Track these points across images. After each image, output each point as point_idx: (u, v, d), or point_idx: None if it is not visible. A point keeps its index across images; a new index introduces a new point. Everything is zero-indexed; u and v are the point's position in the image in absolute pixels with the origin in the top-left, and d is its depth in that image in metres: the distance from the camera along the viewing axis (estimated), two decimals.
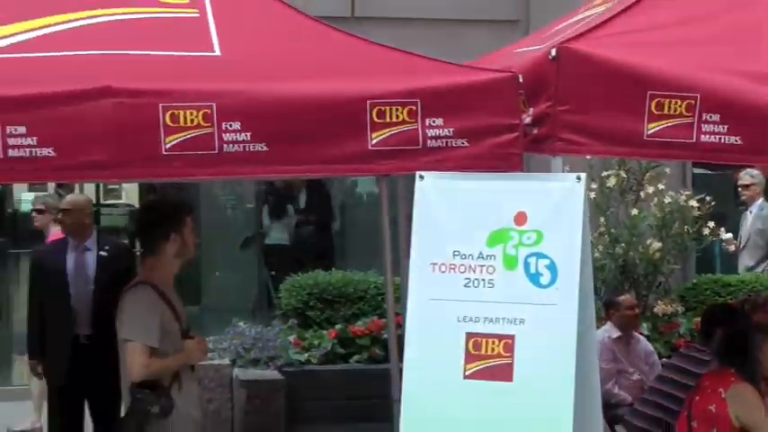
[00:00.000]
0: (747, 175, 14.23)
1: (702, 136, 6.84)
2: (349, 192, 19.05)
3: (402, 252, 9.48)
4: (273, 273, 17.54)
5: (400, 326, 9.28)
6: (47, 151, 6.53)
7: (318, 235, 18.86)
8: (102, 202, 29.48)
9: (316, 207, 19.20)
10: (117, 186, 21.08)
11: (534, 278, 6.32)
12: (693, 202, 12.91)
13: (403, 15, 14.41)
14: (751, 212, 14.24)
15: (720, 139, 6.83)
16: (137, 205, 18.31)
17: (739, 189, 14.18)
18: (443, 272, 6.43)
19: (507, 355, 6.28)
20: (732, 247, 14.37)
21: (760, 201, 14.11)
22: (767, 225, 14.29)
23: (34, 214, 14.69)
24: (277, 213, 18.90)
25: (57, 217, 14.28)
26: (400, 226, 9.55)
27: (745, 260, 13.96)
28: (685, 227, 12.61)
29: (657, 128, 6.81)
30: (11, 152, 6.54)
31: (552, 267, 6.28)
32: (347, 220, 19.36)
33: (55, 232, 14.00)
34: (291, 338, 12.14)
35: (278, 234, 18.80)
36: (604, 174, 7.74)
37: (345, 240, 18.91)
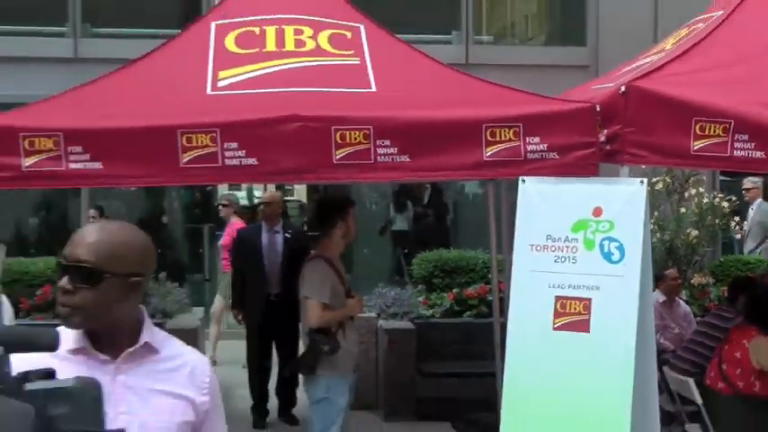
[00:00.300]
0: (749, 181, 14.89)
1: (735, 151, 6.87)
2: (459, 191, 19.07)
3: (503, 236, 9.69)
4: (406, 251, 17.53)
5: (501, 291, 9.77)
6: (252, 161, 6.86)
7: (437, 223, 19.12)
8: None
9: (434, 203, 19.38)
10: (291, 186, 21.07)
11: (607, 256, 6.41)
12: (724, 203, 12.93)
13: (504, 63, 14.39)
14: (752, 209, 14.58)
15: (749, 153, 6.86)
16: (305, 200, 18.38)
17: (744, 191, 14.29)
18: (539, 251, 6.57)
19: (585, 313, 6.38)
20: (739, 236, 14.56)
21: (759, 200, 14.71)
22: (764, 218, 14.53)
23: (220, 207, 14.88)
24: (400, 208, 19.05)
25: (237, 209, 14.95)
26: (502, 217, 9.60)
27: (749, 245, 14.39)
28: (716, 220, 12.69)
29: (701, 145, 6.86)
30: (227, 161, 6.81)
31: (621, 248, 6.39)
32: (458, 213, 19.46)
33: (234, 221, 14.39)
34: (420, 299, 12.27)
35: (400, 223, 19.00)
36: (654, 180, 7.80)
37: (458, 227, 18.93)
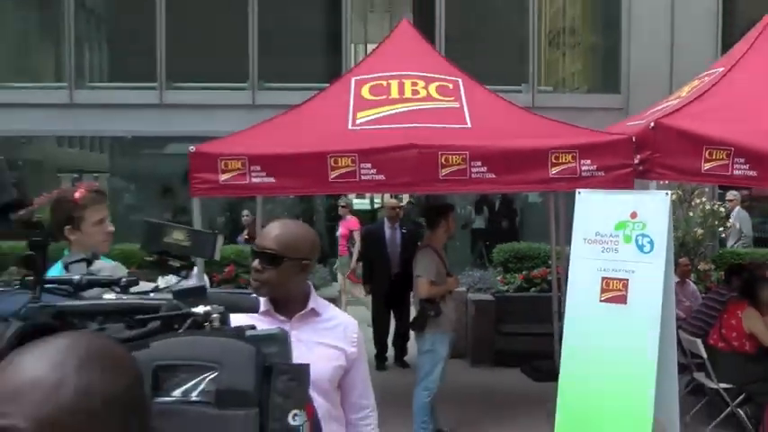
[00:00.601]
0: (731, 194, 14.53)
1: (735, 171, 6.89)
2: (523, 199, 18.98)
3: (560, 232, 9.73)
4: (487, 243, 17.45)
5: (558, 273, 9.89)
6: (380, 176, 6.89)
7: (506, 223, 18.88)
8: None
9: (504, 208, 19.43)
10: (399, 195, 21.12)
11: (640, 248, 6.36)
12: (721, 209, 12.80)
13: (560, 106, 14.39)
14: (733, 215, 14.27)
15: (745, 173, 6.86)
16: (403, 204, 18.42)
17: (727, 201, 14.08)
18: (590, 243, 6.51)
19: (624, 290, 6.39)
20: (724, 235, 14.33)
21: (737, 208, 14.31)
22: (740, 222, 14.16)
23: (339, 208, 14.85)
24: (478, 211, 19.15)
25: (351, 210, 14.87)
26: (560, 219, 9.67)
27: (730, 241, 14.06)
28: (715, 222, 12.50)
29: (709, 166, 6.89)
30: (362, 177, 6.98)
31: (651, 243, 6.33)
32: (522, 215, 19.23)
33: (349, 218, 14.42)
34: (498, 278, 12.22)
35: (479, 222, 19.33)
36: (669, 192, 7.78)
37: (522, 226, 18.78)
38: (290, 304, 3.28)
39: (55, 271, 3.44)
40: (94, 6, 20.37)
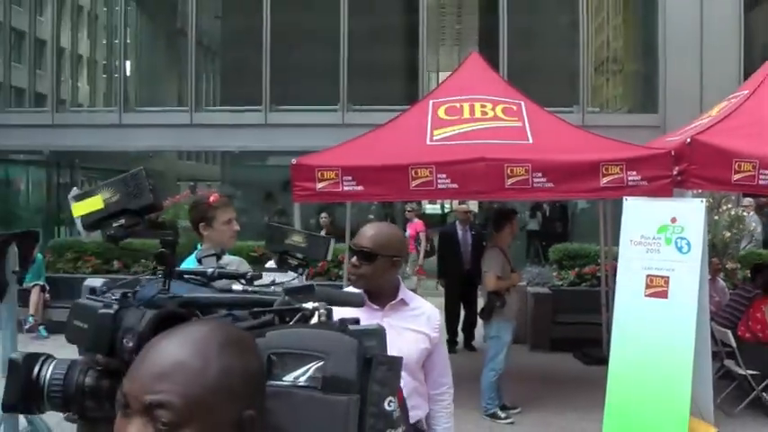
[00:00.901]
0: (746, 200, 13.76)
1: (760, 180, 6.70)
2: (573, 205, 18.69)
3: (607, 234, 9.64)
4: (543, 243, 17.27)
5: (606, 270, 9.75)
6: (454, 185, 6.94)
7: (561, 225, 18.82)
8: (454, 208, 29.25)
9: (555, 213, 19.17)
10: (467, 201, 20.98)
11: (680, 249, 6.31)
12: (745, 213, 12.49)
13: (606, 124, 14.06)
14: (746, 220, 13.71)
15: None
16: (475, 210, 18.22)
17: (741, 207, 13.64)
18: (635, 245, 6.47)
19: (665, 286, 6.34)
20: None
21: (752, 213, 13.60)
22: (752, 227, 13.66)
23: (407, 212, 14.92)
24: (533, 215, 19.09)
25: (419, 213, 14.77)
26: (607, 222, 9.59)
27: (743, 243, 13.54)
28: (740, 226, 12.16)
29: (738, 177, 6.73)
30: (439, 186, 7.04)
31: (689, 244, 6.29)
32: (574, 219, 18.96)
33: (415, 221, 14.42)
34: (554, 273, 11.99)
35: (532, 225, 19.20)
36: (704, 199, 7.60)
37: (572, 228, 18.52)
38: (382, 295, 3.28)
39: (189, 263, 3.57)
40: (210, 43, 20.81)
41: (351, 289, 3.24)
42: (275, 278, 2.11)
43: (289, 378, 1.26)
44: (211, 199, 4.24)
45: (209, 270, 1.71)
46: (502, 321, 7.82)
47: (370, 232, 3.31)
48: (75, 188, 1.81)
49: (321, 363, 1.27)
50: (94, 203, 1.72)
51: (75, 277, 12.27)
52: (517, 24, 17.49)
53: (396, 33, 19.76)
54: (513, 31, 17.23)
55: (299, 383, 1.26)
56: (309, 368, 1.27)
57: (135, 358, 1.23)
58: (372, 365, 1.29)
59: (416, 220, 14.32)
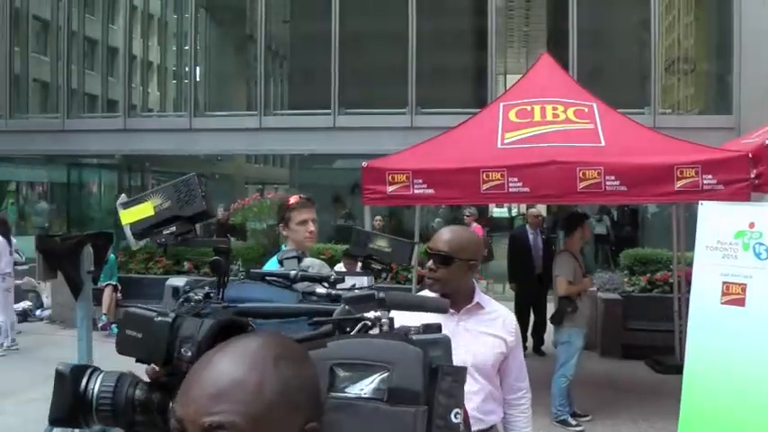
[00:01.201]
0: None
1: None
2: (644, 209, 18.40)
3: (680, 239, 9.47)
4: (613, 248, 17.02)
5: (678, 276, 9.67)
6: (525, 189, 7.09)
7: (630, 229, 18.63)
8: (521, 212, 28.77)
9: (627, 217, 19.02)
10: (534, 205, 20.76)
11: (758, 255, 6.03)
12: None
13: (678, 126, 13.79)
14: None
15: None
16: (543, 213, 18.01)
17: None
18: (712, 250, 6.25)
19: (742, 293, 5.96)
20: None
21: None
22: None
23: (465, 217, 14.76)
24: (600, 218, 18.53)
25: (477, 217, 14.70)
26: (680, 227, 9.41)
27: None
28: None
29: None
30: (510, 189, 6.96)
31: (767, 250, 5.87)
32: (645, 224, 18.68)
33: (475, 227, 14.14)
34: (625, 279, 11.74)
35: (599, 229, 18.51)
36: None
37: (645, 232, 18.22)
38: (458, 299, 3.25)
39: (271, 265, 3.65)
40: (278, 47, 21.09)
41: (426, 293, 3.25)
42: (355, 282, 2.12)
43: (353, 390, 1.24)
44: (291, 200, 4.34)
45: (292, 272, 1.71)
46: (573, 327, 7.74)
47: (447, 236, 3.31)
48: (122, 195, 1.79)
49: (386, 373, 1.24)
50: (144, 210, 1.69)
51: (146, 277, 12.75)
52: (587, 25, 17.30)
53: (464, 36, 19.72)
54: (583, 32, 17.04)
55: (364, 395, 1.24)
56: (374, 379, 1.24)
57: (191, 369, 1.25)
58: (439, 376, 1.26)
59: (475, 224, 14.24)
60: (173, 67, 24.12)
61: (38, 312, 13.81)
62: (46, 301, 13.72)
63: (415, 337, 1.34)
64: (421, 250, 5.67)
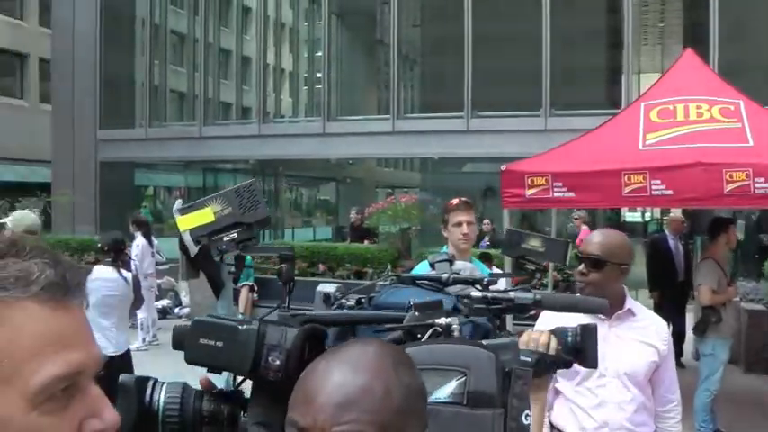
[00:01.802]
0: None
1: None
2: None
3: None
4: (757, 256, 16.17)
5: None
6: (669, 192, 6.71)
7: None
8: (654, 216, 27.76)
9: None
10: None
11: None
12: None
13: None
14: None
15: None
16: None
17: None
18: None
19: None
20: None
21: None
22: None
23: (574, 220, 14.52)
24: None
25: (587, 220, 14.41)
26: None
27: None
28: None
29: None
30: (653, 192, 6.73)
31: None
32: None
33: (584, 229, 13.86)
34: None
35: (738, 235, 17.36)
36: None
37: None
38: (609, 304, 3.22)
39: (422, 268, 3.70)
40: (410, 51, 21.33)
41: None
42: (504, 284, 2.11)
43: (435, 395, 1.25)
44: (452, 201, 4.53)
45: (444, 276, 1.72)
46: (718, 338, 7.47)
47: (598, 239, 3.28)
48: (179, 200, 1.83)
49: (463, 377, 1.26)
50: (204, 216, 1.71)
51: None
52: (729, 18, 16.57)
53: (598, 35, 19.35)
54: (725, 26, 16.34)
55: (443, 399, 1.25)
56: (451, 383, 1.26)
57: (281, 377, 1.27)
58: (512, 379, 1.28)
59: (584, 227, 13.90)
60: (304, 73, 24.85)
61: (176, 310, 14.65)
62: (184, 299, 14.47)
63: (485, 342, 1.38)
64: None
